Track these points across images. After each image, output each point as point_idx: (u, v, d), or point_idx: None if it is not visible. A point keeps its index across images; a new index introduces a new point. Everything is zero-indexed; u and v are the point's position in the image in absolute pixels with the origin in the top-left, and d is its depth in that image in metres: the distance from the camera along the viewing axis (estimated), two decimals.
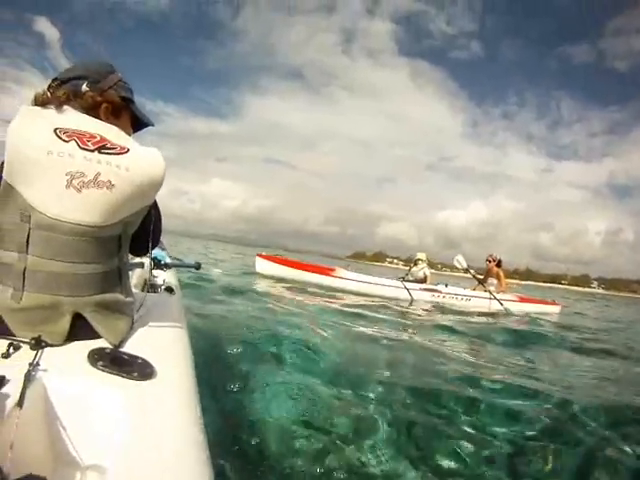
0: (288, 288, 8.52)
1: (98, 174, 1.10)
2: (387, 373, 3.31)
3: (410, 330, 5.82)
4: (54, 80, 1.28)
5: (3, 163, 1.08)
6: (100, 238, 1.14)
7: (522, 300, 11.08)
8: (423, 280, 10.45)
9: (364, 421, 2.39)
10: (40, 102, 1.21)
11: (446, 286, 10.34)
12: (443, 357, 4.16)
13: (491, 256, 11.01)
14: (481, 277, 10.99)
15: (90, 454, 0.78)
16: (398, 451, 2.13)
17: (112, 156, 1.13)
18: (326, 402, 2.54)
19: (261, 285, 8.72)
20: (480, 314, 8.99)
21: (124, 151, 1.16)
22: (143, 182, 1.16)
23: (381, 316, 6.67)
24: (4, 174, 1.07)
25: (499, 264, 11.03)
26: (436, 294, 10.03)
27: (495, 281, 10.84)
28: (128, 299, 1.25)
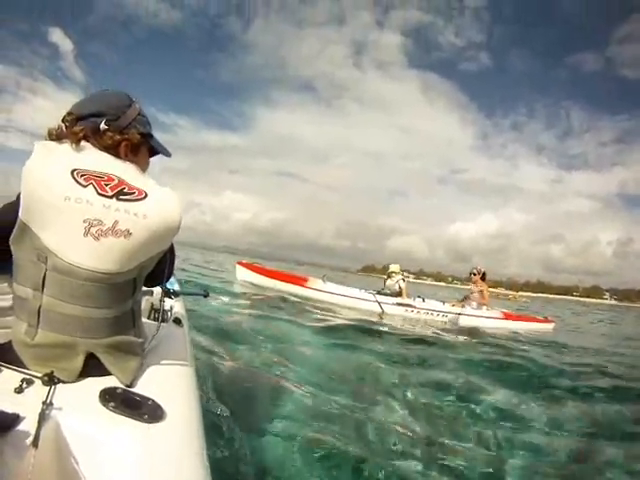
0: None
1: (116, 222, 1.09)
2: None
3: (351, 346, 5.40)
4: (69, 114, 1.23)
5: (19, 196, 1.08)
6: (115, 284, 1.14)
7: (507, 317, 10.66)
8: (399, 293, 10.16)
9: None
10: (55, 137, 1.19)
11: (423, 300, 10.04)
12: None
13: (476, 269, 10.66)
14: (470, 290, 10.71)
15: None
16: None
17: (130, 203, 1.12)
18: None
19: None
20: (451, 332, 8.39)
21: (142, 197, 1.14)
22: (160, 228, 1.15)
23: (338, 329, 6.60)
24: (20, 212, 1.06)
25: (483, 277, 10.67)
26: (409, 309, 9.75)
27: (478, 295, 10.50)
28: (139, 339, 1.26)
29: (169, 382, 1.25)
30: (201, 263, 21.22)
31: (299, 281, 10.15)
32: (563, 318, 17.35)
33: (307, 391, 3.30)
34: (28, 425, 0.82)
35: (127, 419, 0.96)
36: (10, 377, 1.01)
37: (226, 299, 7.74)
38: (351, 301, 9.69)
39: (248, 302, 8.03)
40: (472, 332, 8.71)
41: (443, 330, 8.51)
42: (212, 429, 1.82)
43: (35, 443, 0.78)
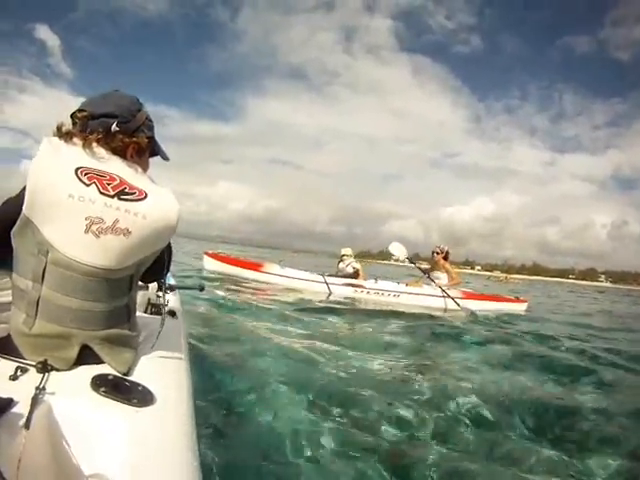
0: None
1: (116, 221, 1.13)
2: None
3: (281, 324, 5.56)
4: (81, 111, 1.26)
5: (23, 190, 1.12)
6: (112, 279, 1.18)
7: (468, 297, 10.08)
8: (354, 275, 10.10)
9: None
10: (65, 134, 1.21)
11: (376, 281, 9.93)
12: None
13: (438, 247, 10.14)
14: (426, 268, 10.22)
15: (91, 474, 0.82)
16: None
17: (131, 203, 1.16)
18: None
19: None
20: (397, 312, 7.95)
21: (142, 197, 1.19)
22: (159, 228, 1.20)
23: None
24: (24, 207, 1.10)
25: (446, 256, 10.18)
26: (359, 289, 9.67)
27: (443, 275, 9.97)
28: (133, 333, 1.29)
29: (162, 371, 1.28)
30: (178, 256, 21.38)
31: (256, 267, 10.39)
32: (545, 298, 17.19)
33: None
34: (21, 409, 0.84)
35: (117, 403, 0.98)
36: (6, 366, 1.04)
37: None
38: (303, 283, 9.82)
39: (211, 289, 8.06)
40: (417, 312, 8.40)
41: (386, 308, 8.48)
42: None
43: (27, 425, 0.81)
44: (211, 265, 10.84)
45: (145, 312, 2.02)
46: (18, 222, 1.11)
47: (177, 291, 2.79)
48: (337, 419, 2.65)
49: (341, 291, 9.61)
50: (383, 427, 2.59)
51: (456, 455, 2.32)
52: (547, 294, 24.27)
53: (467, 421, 2.79)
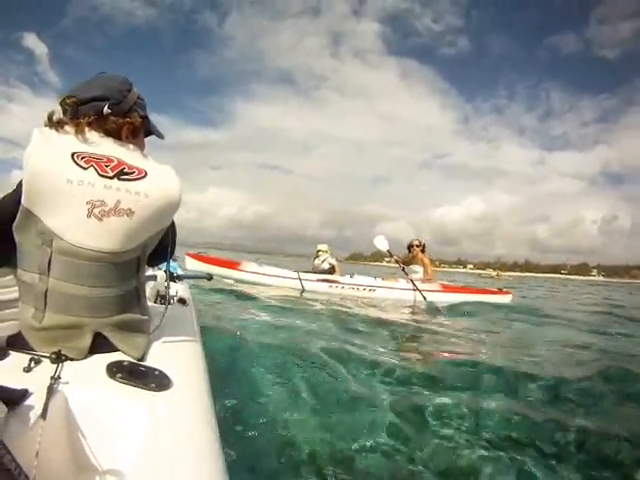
0: None
1: (118, 202, 1.11)
2: None
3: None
4: (70, 97, 1.24)
5: (20, 184, 1.10)
6: (119, 262, 1.16)
7: (449, 290, 9.99)
8: (330, 271, 10.17)
9: None
10: (56, 123, 1.19)
11: (351, 276, 9.97)
12: None
13: (416, 240, 10.10)
14: (407, 257, 10.12)
15: (110, 461, 0.80)
16: None
17: (131, 182, 1.14)
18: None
19: None
20: (368, 307, 8.02)
21: (142, 175, 1.17)
22: (162, 206, 1.18)
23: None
24: (23, 199, 1.08)
25: (424, 249, 10.09)
26: (334, 285, 9.69)
27: (420, 268, 9.92)
28: (145, 317, 1.27)
29: (176, 355, 1.27)
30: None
31: (234, 265, 10.53)
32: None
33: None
34: (36, 399, 0.82)
35: (134, 388, 0.97)
36: (19, 359, 1.02)
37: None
38: (278, 280, 9.92)
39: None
40: (393, 305, 8.60)
41: (361, 303, 8.49)
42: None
43: (44, 415, 0.78)
44: (192, 265, 10.89)
45: (155, 303, 2.01)
46: (18, 216, 1.10)
47: (185, 281, 2.82)
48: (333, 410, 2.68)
49: (315, 287, 9.66)
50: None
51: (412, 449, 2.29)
52: (539, 289, 24.14)
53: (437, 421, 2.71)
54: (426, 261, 10.07)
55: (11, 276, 1.24)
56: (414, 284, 9.38)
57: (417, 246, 10.04)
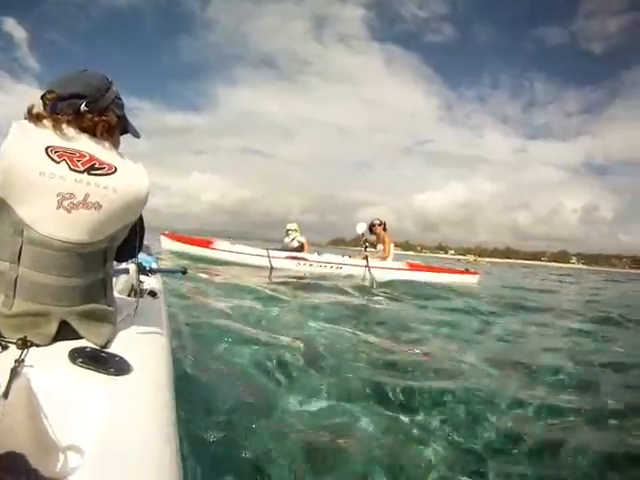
0: None
1: (87, 195, 1.16)
2: None
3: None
4: (50, 92, 1.28)
5: None
6: (86, 253, 1.21)
7: (415, 268, 10.26)
8: (299, 249, 10.45)
9: None
10: (35, 117, 1.24)
11: (319, 254, 10.36)
12: None
13: (377, 219, 10.34)
14: (372, 240, 10.47)
15: (69, 441, 0.84)
16: None
17: (100, 177, 1.19)
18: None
19: None
20: (330, 283, 8.44)
21: (112, 171, 1.22)
22: (129, 201, 1.24)
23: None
24: None
25: (385, 228, 10.35)
26: (302, 262, 10.02)
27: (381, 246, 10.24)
28: (111, 308, 1.32)
29: (139, 345, 1.31)
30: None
31: (207, 244, 10.89)
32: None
33: None
34: (0, 380, 0.85)
35: (94, 373, 1.01)
36: None
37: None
38: (249, 258, 10.27)
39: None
40: (367, 284, 9.07)
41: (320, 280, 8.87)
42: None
43: (5, 394, 0.82)
44: (167, 245, 11.27)
45: (128, 296, 2.04)
46: None
47: (159, 274, 2.84)
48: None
49: (284, 264, 9.98)
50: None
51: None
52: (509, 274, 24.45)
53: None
54: (386, 239, 10.34)
55: None
56: (367, 262, 9.74)
57: (378, 225, 10.34)
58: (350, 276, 9.73)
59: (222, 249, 10.65)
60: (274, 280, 8.56)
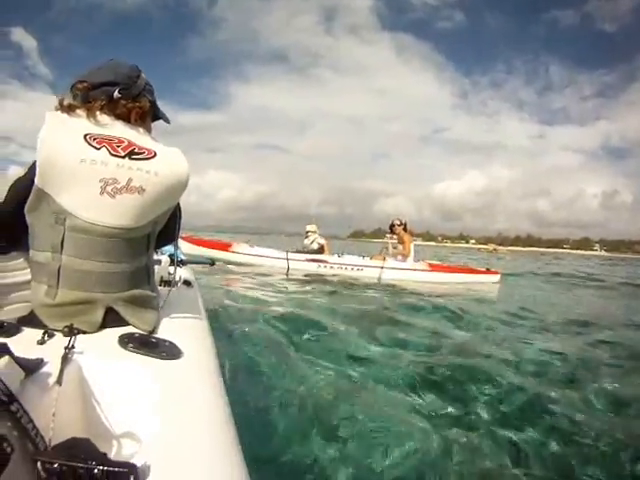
0: None
1: (130, 180, 1.16)
2: None
3: None
4: (81, 82, 1.29)
5: (32, 167, 1.14)
6: (131, 239, 1.21)
7: (435, 269, 10.22)
8: (320, 251, 10.41)
9: None
10: (67, 107, 1.24)
11: (339, 256, 10.26)
12: None
13: (397, 219, 10.28)
14: (394, 243, 10.39)
15: (122, 425, 0.82)
16: None
17: (142, 162, 1.19)
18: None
19: None
20: (352, 285, 8.30)
21: (151, 155, 1.22)
22: (172, 184, 1.23)
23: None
24: (36, 180, 1.11)
25: (405, 228, 10.24)
26: (322, 264, 9.97)
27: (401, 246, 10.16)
28: (154, 294, 1.33)
29: (185, 329, 1.32)
30: None
31: (225, 247, 10.75)
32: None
33: None
34: (52, 367, 0.84)
35: (146, 357, 1.00)
36: (32, 334, 1.04)
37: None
38: (268, 260, 10.23)
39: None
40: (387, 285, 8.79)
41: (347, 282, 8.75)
42: None
43: (59, 381, 0.81)
44: (186, 248, 11.24)
45: (164, 286, 2.06)
46: (31, 197, 1.14)
47: (189, 266, 2.91)
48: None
49: (303, 266, 9.93)
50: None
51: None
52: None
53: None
54: (405, 239, 10.24)
55: (21, 259, 1.29)
56: (383, 265, 9.82)
57: (398, 225, 10.27)
58: (369, 278, 9.64)
59: (241, 252, 10.56)
60: (291, 281, 8.52)
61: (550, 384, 3.07)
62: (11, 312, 1.21)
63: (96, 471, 0.51)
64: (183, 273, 2.42)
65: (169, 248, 1.95)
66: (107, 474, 0.51)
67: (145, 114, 1.39)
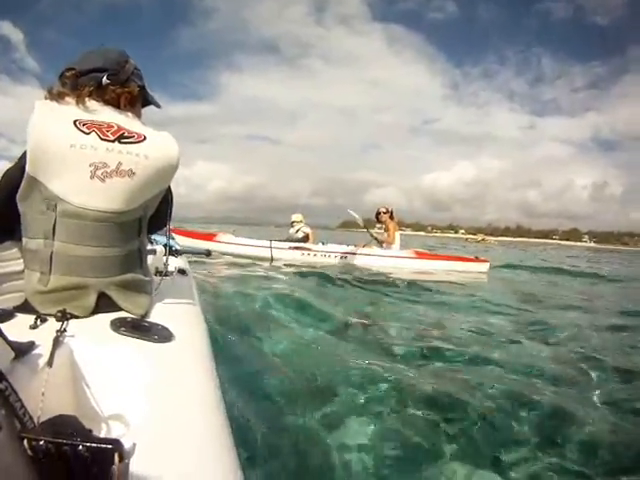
0: None
1: (120, 163, 1.16)
2: None
3: None
4: (69, 69, 1.29)
5: (23, 156, 1.14)
6: (122, 223, 1.21)
7: (421, 256, 10.17)
8: (304, 240, 10.50)
9: None
10: (56, 95, 1.24)
11: (323, 244, 10.32)
12: None
13: (383, 207, 10.28)
14: (380, 232, 10.33)
15: (112, 406, 0.83)
16: None
17: (131, 145, 1.19)
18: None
19: None
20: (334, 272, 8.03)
21: (141, 139, 1.22)
22: (162, 167, 1.23)
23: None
24: (27, 167, 1.11)
25: (392, 216, 10.26)
26: (306, 252, 10.01)
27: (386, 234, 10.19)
28: (147, 278, 1.33)
29: (178, 314, 1.33)
30: None
31: (210, 237, 10.78)
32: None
33: None
34: (43, 350, 0.85)
35: (137, 340, 1.01)
36: (25, 320, 1.04)
37: None
38: (252, 249, 10.22)
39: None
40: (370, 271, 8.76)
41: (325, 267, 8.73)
42: None
43: (50, 363, 0.81)
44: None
45: (155, 275, 2.07)
46: (22, 185, 1.14)
47: (184, 256, 2.93)
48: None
49: (287, 255, 9.97)
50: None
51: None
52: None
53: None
54: (390, 227, 10.26)
55: (15, 249, 1.28)
56: (358, 250, 9.89)
57: (384, 213, 10.27)
58: (353, 265, 9.63)
59: (226, 241, 10.58)
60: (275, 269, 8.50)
61: (538, 375, 3.06)
62: (5, 302, 1.20)
63: (80, 447, 0.52)
64: (178, 263, 2.43)
65: (164, 239, 1.95)
66: (91, 450, 0.52)
67: (134, 99, 1.38)
